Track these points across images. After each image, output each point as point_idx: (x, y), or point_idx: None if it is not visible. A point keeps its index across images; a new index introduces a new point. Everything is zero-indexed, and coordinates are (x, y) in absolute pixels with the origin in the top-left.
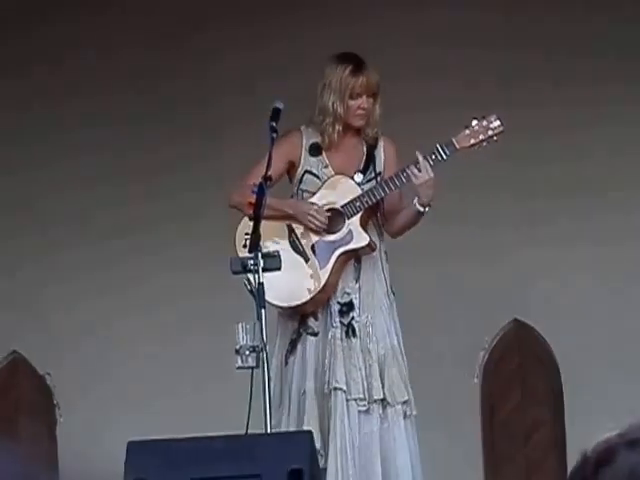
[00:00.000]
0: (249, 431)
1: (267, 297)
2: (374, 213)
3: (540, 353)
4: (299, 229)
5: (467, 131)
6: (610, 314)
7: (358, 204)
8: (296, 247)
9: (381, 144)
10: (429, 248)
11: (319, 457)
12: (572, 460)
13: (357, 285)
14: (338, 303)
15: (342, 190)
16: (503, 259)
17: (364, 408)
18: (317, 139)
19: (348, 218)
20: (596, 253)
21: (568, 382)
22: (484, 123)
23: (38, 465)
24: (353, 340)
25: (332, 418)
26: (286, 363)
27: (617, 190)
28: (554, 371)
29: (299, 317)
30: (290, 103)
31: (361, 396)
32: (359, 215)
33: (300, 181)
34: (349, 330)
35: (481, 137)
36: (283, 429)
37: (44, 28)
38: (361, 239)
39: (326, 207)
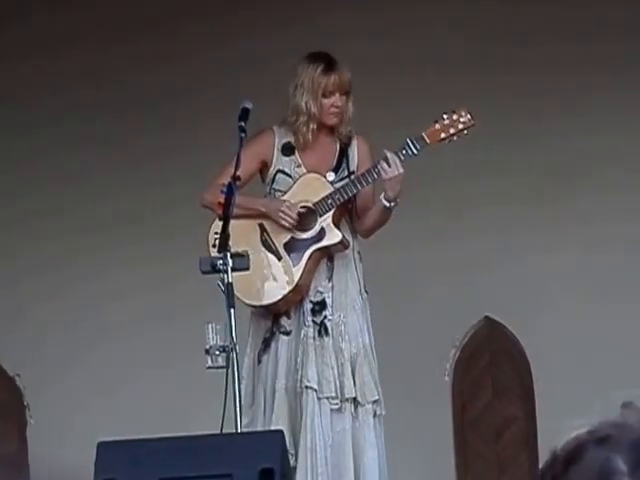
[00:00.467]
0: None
1: (240, 296)
2: (347, 211)
3: (511, 350)
4: (271, 227)
5: (437, 125)
6: (580, 311)
7: (330, 201)
8: (268, 245)
9: (355, 142)
10: (399, 246)
11: (289, 456)
12: (544, 457)
13: (330, 284)
14: (311, 302)
15: (314, 188)
16: (473, 257)
17: (336, 407)
18: (290, 139)
19: (320, 216)
20: (567, 250)
21: (539, 379)
22: (454, 117)
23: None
24: (325, 339)
25: (303, 417)
26: (259, 362)
27: (586, 181)
28: (525, 368)
29: (272, 316)
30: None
31: (333, 394)
32: (331, 213)
33: (273, 180)
34: (321, 329)
35: (452, 131)
36: (259, 428)
37: (18, 25)
38: (333, 236)
39: (299, 205)
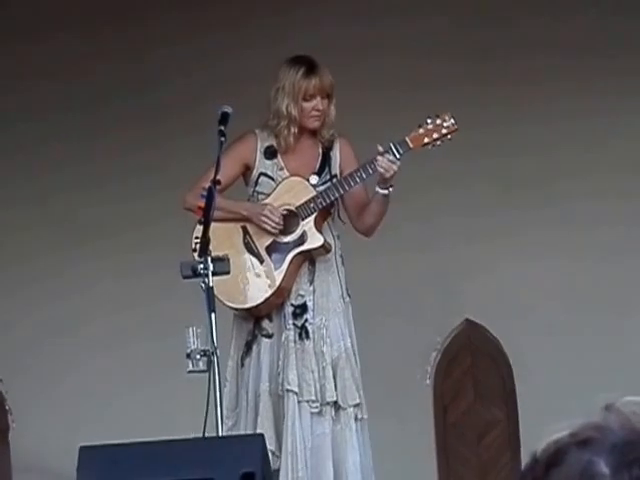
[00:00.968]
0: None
1: (222, 298)
2: (329, 214)
3: (492, 353)
4: (254, 230)
5: (421, 130)
6: (562, 313)
7: (312, 205)
8: (250, 248)
9: (337, 145)
10: (380, 250)
11: (275, 458)
12: (526, 460)
13: (311, 287)
14: (292, 305)
15: (297, 191)
16: (453, 260)
17: (316, 410)
18: (272, 142)
19: (302, 219)
20: (548, 253)
21: (521, 381)
22: (438, 122)
23: None
24: (306, 342)
25: (285, 420)
26: (242, 365)
27: (567, 188)
28: (507, 370)
29: (254, 319)
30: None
31: (313, 398)
32: (313, 216)
33: (256, 183)
34: (302, 332)
35: (435, 136)
36: (242, 431)
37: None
38: (315, 240)
39: (281, 208)
